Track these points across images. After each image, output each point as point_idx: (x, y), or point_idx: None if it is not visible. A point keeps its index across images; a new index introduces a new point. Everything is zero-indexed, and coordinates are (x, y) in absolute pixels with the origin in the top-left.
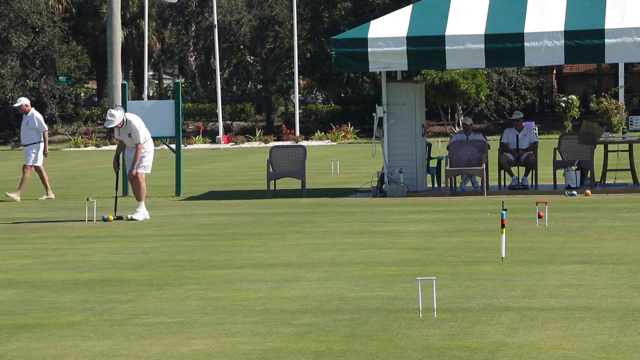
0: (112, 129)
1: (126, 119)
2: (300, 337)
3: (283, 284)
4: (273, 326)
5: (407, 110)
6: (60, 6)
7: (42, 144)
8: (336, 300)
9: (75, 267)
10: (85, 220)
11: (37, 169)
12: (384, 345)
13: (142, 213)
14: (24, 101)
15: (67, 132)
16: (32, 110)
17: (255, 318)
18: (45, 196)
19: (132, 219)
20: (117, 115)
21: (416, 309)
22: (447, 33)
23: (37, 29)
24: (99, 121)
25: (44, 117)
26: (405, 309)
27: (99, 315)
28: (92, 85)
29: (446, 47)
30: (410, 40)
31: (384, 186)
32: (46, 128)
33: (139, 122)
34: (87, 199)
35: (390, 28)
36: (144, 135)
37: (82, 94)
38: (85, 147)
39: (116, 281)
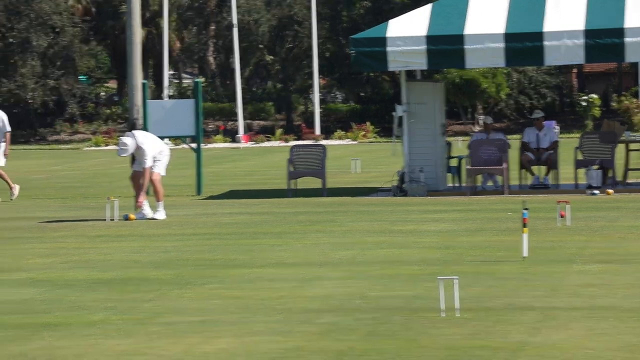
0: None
1: (138, 145)
2: (321, 336)
3: (304, 283)
4: (295, 325)
5: (427, 110)
6: (80, 6)
7: (3, 144)
8: (357, 299)
9: (97, 266)
10: (106, 220)
11: None
12: (405, 345)
13: (161, 212)
14: None
15: (87, 132)
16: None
17: (277, 317)
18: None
19: (153, 219)
20: (129, 144)
21: (438, 308)
22: (466, 32)
23: (57, 29)
24: (119, 120)
25: (64, 117)
26: (426, 308)
27: (121, 314)
28: (113, 84)
29: (466, 46)
30: (430, 39)
31: (404, 185)
32: (9, 129)
33: (150, 142)
34: (108, 198)
35: (409, 27)
36: (154, 154)
37: (103, 94)
38: (105, 146)
39: (138, 280)
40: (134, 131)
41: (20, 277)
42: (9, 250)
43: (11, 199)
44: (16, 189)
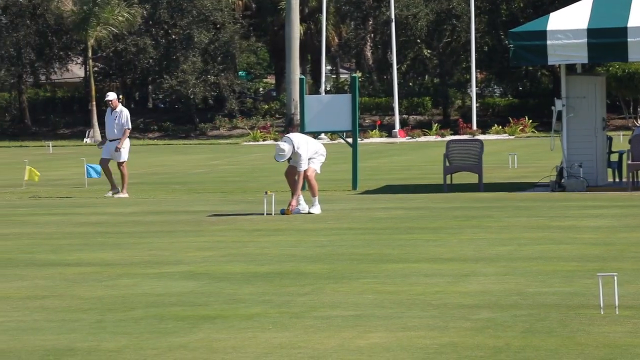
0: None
1: (295, 151)
2: (477, 332)
3: (460, 279)
4: (450, 321)
5: (587, 104)
6: (240, 2)
7: (120, 140)
8: (514, 295)
9: (254, 260)
10: (263, 214)
11: (119, 164)
12: (563, 342)
13: (317, 207)
14: (114, 96)
15: (246, 127)
16: (121, 106)
17: (432, 312)
18: (111, 192)
19: (309, 213)
20: (286, 149)
21: (597, 306)
22: (629, 25)
23: (218, 25)
24: (277, 115)
25: (223, 112)
26: (585, 305)
27: (277, 307)
28: (271, 80)
29: (628, 39)
30: (591, 32)
31: (563, 180)
32: (130, 127)
33: (305, 146)
34: (266, 193)
35: (570, 20)
36: (309, 156)
37: (261, 89)
38: (263, 141)
39: (294, 274)
40: (290, 135)
41: (180, 270)
42: (169, 244)
43: (112, 196)
44: (120, 193)
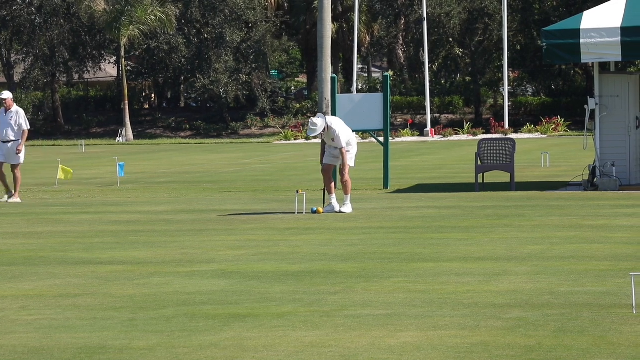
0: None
1: (328, 125)
2: (509, 331)
3: (491, 278)
4: (481, 320)
5: (620, 102)
6: (273, 1)
7: (19, 142)
8: (546, 294)
9: (286, 259)
10: (295, 213)
11: (1, 165)
12: (595, 341)
13: (348, 206)
14: (9, 95)
15: (277, 126)
16: (16, 106)
17: (463, 311)
18: (6, 197)
19: (340, 212)
20: (319, 124)
21: (629, 305)
22: None
23: (250, 24)
24: (309, 114)
25: (255, 111)
26: (617, 304)
27: (308, 306)
28: (302, 79)
29: None
30: (625, 30)
31: (595, 179)
32: (29, 127)
33: (341, 126)
34: (297, 192)
35: (603, 19)
36: (346, 139)
37: (293, 88)
38: (295, 140)
39: (325, 273)
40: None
41: (211, 268)
42: (201, 242)
43: (7, 201)
44: (13, 198)
